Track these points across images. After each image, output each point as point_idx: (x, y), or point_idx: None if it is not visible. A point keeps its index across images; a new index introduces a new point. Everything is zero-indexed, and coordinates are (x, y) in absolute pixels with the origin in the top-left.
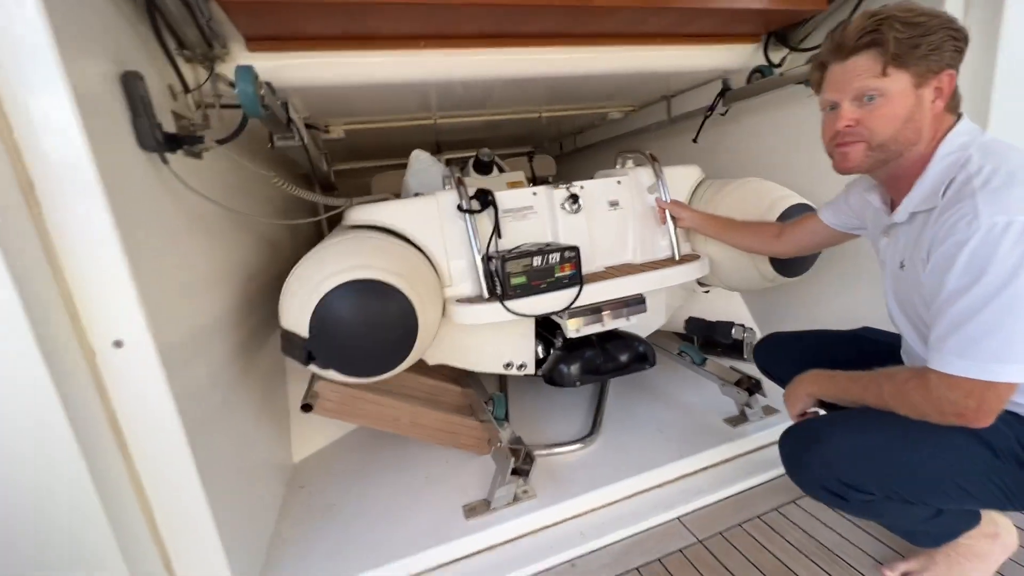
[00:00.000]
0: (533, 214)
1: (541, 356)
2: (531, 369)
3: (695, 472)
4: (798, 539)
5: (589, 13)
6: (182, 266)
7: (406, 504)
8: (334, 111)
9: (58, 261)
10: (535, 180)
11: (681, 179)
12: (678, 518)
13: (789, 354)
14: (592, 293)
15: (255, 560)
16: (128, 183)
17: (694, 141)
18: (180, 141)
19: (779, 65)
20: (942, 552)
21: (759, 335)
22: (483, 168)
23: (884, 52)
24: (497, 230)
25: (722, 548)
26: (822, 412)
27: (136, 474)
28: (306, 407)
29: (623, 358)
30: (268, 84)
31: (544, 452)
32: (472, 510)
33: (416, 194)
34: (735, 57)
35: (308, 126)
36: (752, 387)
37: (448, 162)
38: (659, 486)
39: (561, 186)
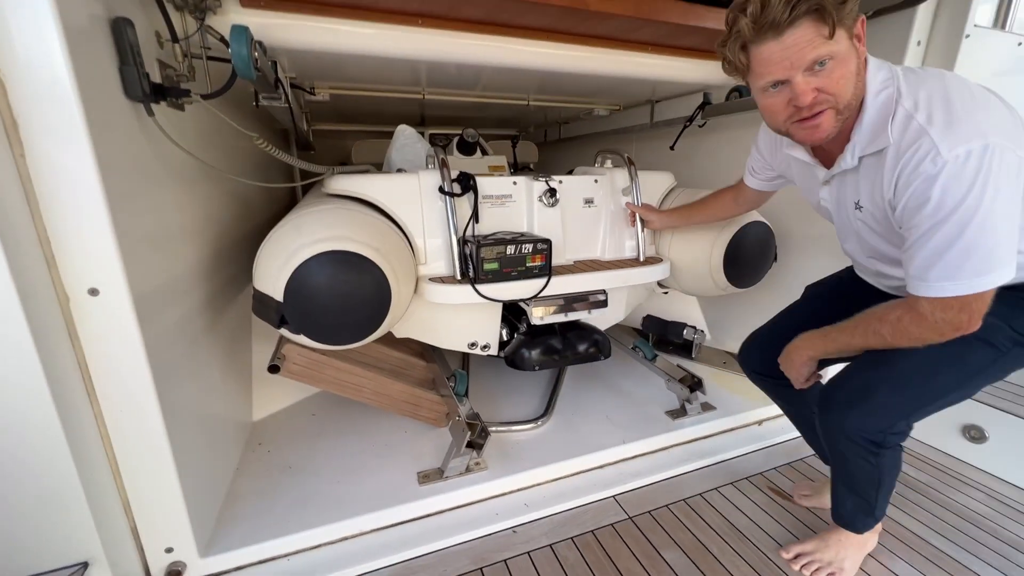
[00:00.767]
0: (511, 202)
1: (505, 339)
2: (494, 351)
3: (634, 457)
4: (715, 521)
5: (585, 16)
6: (159, 217)
7: (363, 467)
8: (323, 75)
9: (37, 205)
10: (516, 166)
11: (654, 184)
12: (614, 496)
13: (776, 350)
14: (559, 284)
15: (211, 509)
16: (112, 130)
17: (671, 148)
18: (165, 92)
19: None
20: (834, 536)
21: (709, 338)
22: (467, 148)
23: (825, 16)
24: (476, 215)
25: (649, 525)
26: (822, 373)
27: (102, 418)
28: (273, 368)
29: (581, 348)
30: (260, 44)
31: (499, 429)
32: (426, 477)
33: (399, 169)
34: (718, 73)
35: (294, 86)
36: (694, 385)
37: (432, 137)
38: (600, 467)
39: (541, 178)
